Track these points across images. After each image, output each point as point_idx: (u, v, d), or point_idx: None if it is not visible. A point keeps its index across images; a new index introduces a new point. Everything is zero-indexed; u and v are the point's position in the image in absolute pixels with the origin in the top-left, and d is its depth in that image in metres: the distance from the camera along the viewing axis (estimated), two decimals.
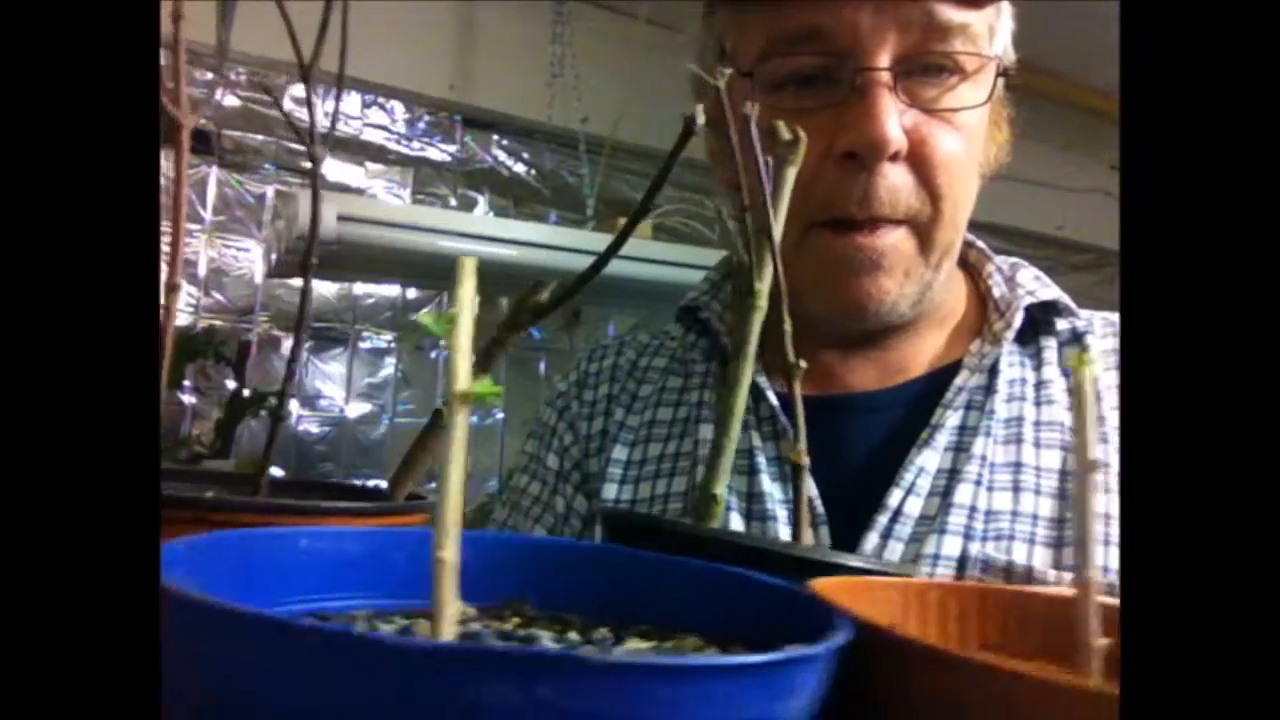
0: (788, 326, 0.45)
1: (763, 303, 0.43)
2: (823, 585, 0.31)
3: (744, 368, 0.44)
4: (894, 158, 0.61)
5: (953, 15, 0.60)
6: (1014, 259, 0.76)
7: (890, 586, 0.35)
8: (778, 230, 0.44)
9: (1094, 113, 2.71)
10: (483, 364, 0.40)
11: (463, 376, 0.25)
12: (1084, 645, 0.28)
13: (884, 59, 0.60)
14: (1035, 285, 0.72)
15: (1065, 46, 2.44)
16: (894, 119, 0.59)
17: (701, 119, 0.38)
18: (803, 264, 0.66)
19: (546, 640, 0.30)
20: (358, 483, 0.52)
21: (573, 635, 0.31)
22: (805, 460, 0.44)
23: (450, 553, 0.24)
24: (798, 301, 0.71)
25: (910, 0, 0.60)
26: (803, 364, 0.45)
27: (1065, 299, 0.72)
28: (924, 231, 0.64)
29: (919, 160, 0.62)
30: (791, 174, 0.45)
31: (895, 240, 0.63)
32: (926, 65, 0.61)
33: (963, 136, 0.63)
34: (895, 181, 0.61)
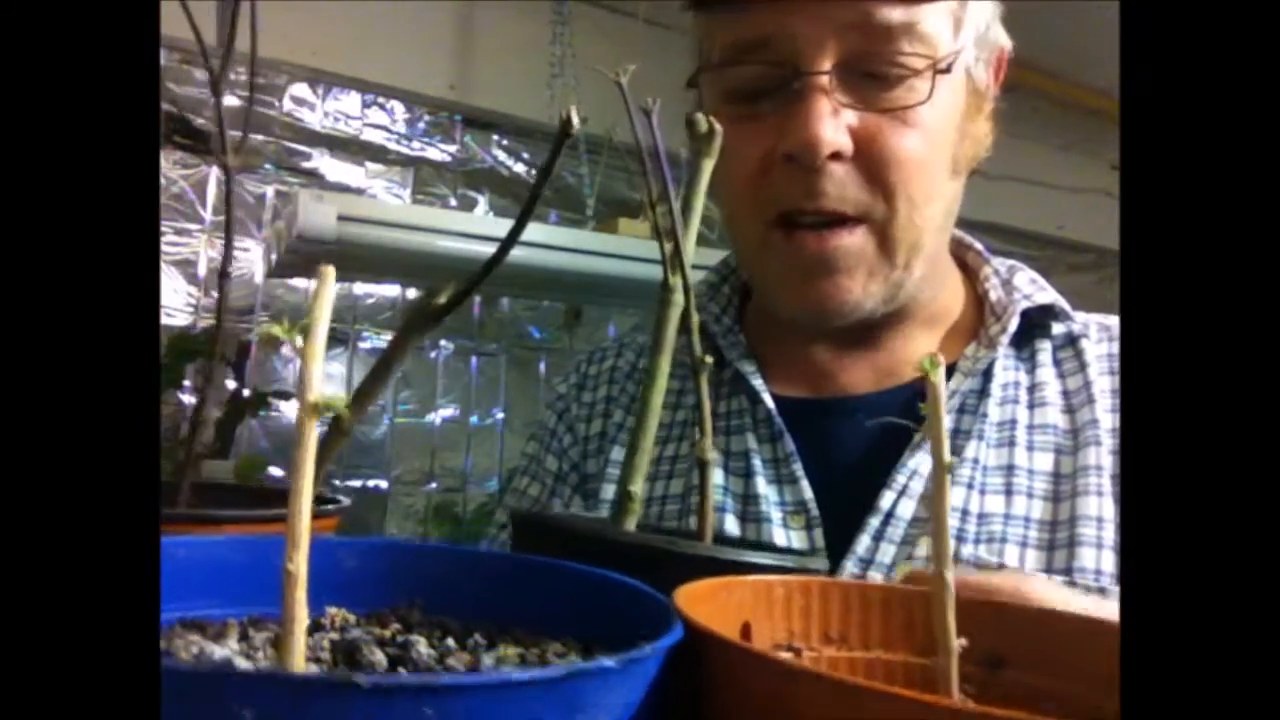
0: (694, 321, 0.45)
1: (677, 297, 0.44)
2: (692, 588, 0.32)
3: (661, 363, 0.44)
4: (837, 157, 0.62)
5: (893, 16, 0.60)
6: (1011, 262, 0.76)
7: (745, 586, 0.35)
8: (693, 229, 0.44)
9: (1094, 113, 2.71)
10: (383, 368, 0.39)
11: (315, 385, 0.25)
12: (942, 646, 0.29)
13: (824, 63, 0.61)
14: (1032, 289, 0.72)
15: (1065, 46, 2.44)
16: (827, 121, 0.60)
17: (577, 120, 0.39)
18: (766, 265, 0.68)
19: (421, 647, 0.30)
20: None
21: (450, 641, 0.32)
22: (712, 456, 0.44)
23: (299, 565, 0.24)
24: (769, 296, 0.72)
25: (849, 4, 0.60)
26: (709, 359, 0.45)
27: (1061, 302, 0.72)
28: (882, 230, 0.64)
29: (869, 158, 0.62)
30: (708, 166, 0.45)
31: (850, 241, 0.64)
32: (870, 67, 0.62)
33: (920, 134, 0.63)
34: (841, 179, 0.62)
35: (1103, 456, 0.64)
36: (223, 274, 0.49)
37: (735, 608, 0.34)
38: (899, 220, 0.63)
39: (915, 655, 0.35)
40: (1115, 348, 0.71)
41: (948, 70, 0.62)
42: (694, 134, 0.45)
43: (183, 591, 0.31)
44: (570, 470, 0.79)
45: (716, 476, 0.70)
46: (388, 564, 0.35)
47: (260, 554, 0.33)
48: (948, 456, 0.28)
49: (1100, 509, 0.62)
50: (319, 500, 0.45)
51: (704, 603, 0.31)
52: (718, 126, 0.45)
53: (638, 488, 0.43)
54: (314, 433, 0.25)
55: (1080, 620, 0.34)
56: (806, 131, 0.60)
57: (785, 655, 0.34)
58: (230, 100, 2.06)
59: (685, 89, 0.71)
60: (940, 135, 0.64)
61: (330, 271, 0.27)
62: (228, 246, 0.49)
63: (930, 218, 0.65)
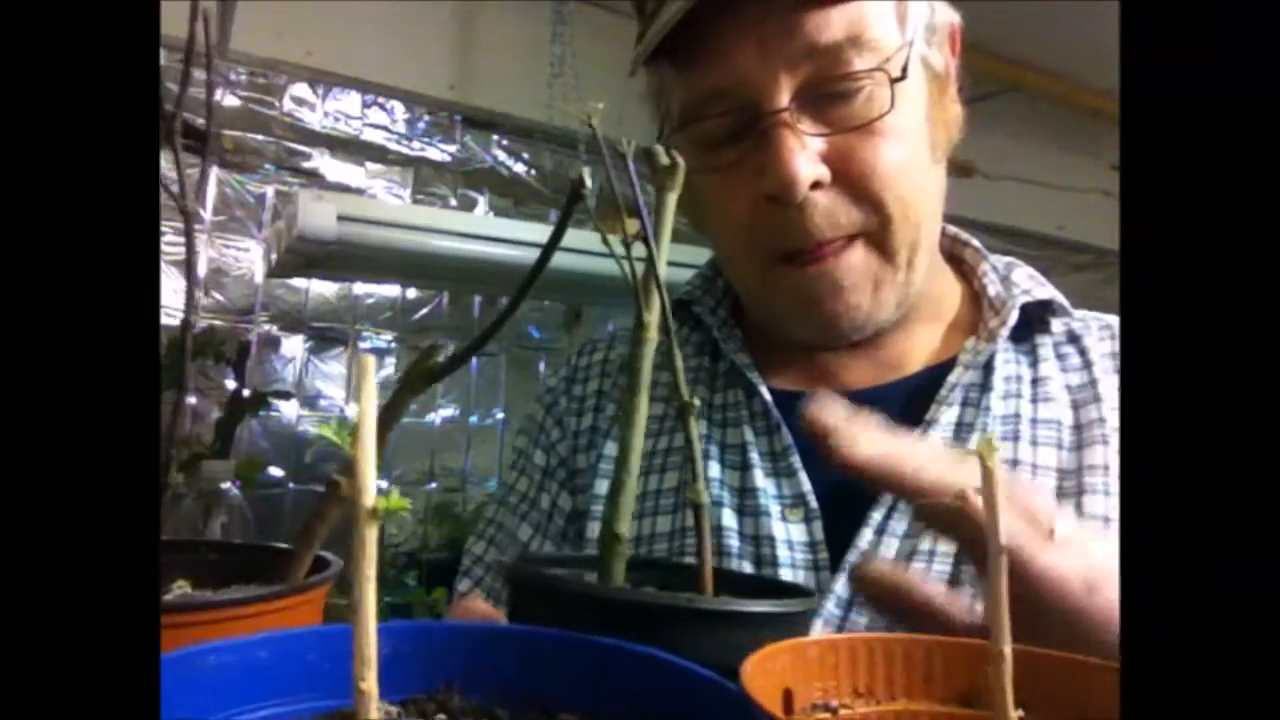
0: (679, 363, 0.44)
1: (652, 334, 0.43)
2: (762, 656, 0.32)
3: (638, 401, 0.43)
4: (817, 186, 0.62)
5: (836, 34, 0.61)
6: (1009, 259, 0.76)
7: (784, 651, 0.35)
8: (661, 263, 0.44)
9: (1094, 113, 2.72)
10: (383, 426, 0.38)
11: (370, 487, 0.24)
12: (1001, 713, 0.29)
13: (782, 99, 0.61)
14: (1030, 284, 0.72)
15: (1065, 46, 2.44)
16: (799, 156, 0.61)
17: (590, 182, 0.39)
18: (774, 298, 0.69)
19: None
20: (275, 545, 0.50)
21: None
22: (705, 499, 0.43)
23: (370, 683, 0.23)
24: (780, 327, 0.72)
25: (790, 36, 0.61)
26: (696, 402, 0.44)
27: (1060, 299, 0.72)
28: (880, 239, 0.64)
29: (848, 178, 0.63)
30: (672, 199, 0.45)
31: (851, 258, 0.64)
32: (828, 92, 0.62)
33: (892, 138, 0.63)
34: (828, 206, 0.62)
35: (1109, 455, 0.63)
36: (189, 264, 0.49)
37: (778, 674, 0.34)
38: (894, 225, 0.64)
39: (938, 704, 0.36)
40: (1118, 346, 0.71)
41: (903, 75, 0.62)
42: (654, 167, 0.45)
43: (227, 698, 0.30)
44: (558, 466, 0.78)
45: (712, 470, 0.70)
46: (420, 646, 0.34)
47: (290, 650, 0.32)
48: (1003, 539, 0.28)
49: (1107, 508, 0.61)
50: (316, 563, 0.44)
51: (754, 676, 0.31)
52: (679, 159, 0.45)
53: (623, 529, 0.42)
54: (374, 541, 0.24)
55: (1103, 668, 0.34)
56: (782, 171, 0.61)
57: (823, 717, 0.35)
58: (231, 100, 2.06)
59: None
60: (912, 133, 0.65)
61: (370, 363, 0.26)
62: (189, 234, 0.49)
63: (922, 211, 0.65)
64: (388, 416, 0.39)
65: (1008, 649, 0.28)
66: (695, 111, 0.65)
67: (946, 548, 0.62)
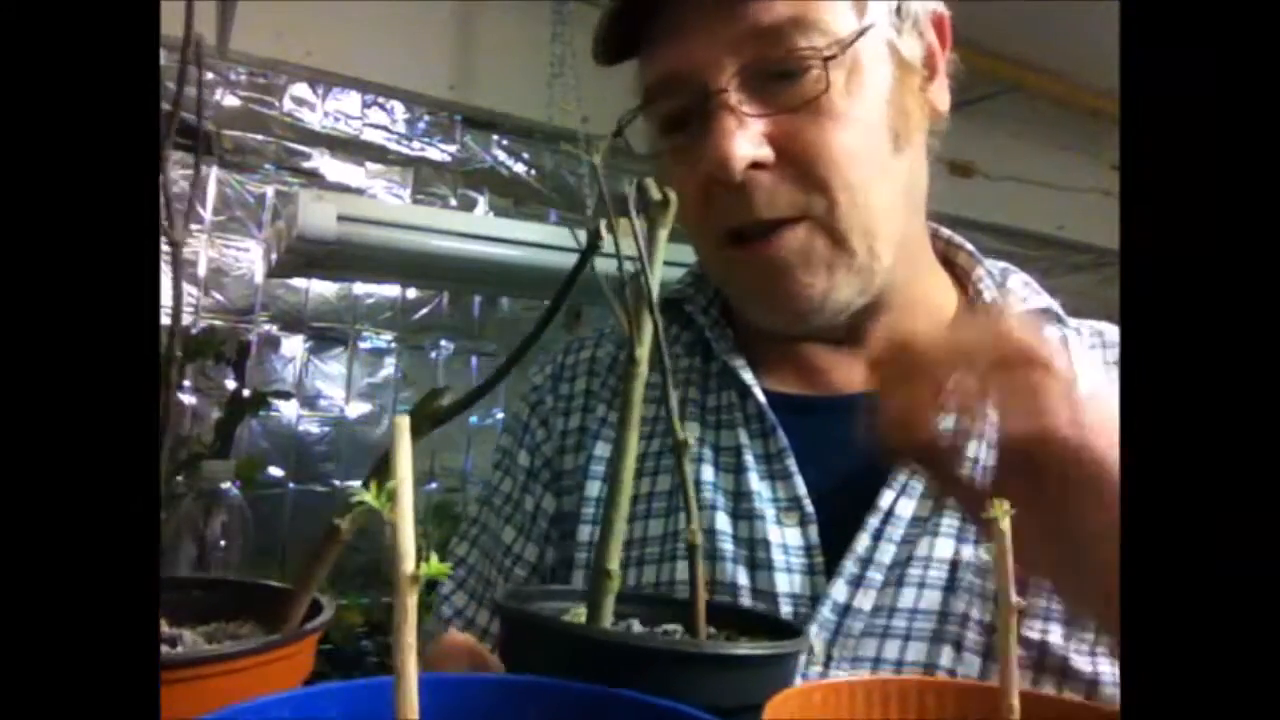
0: (673, 403, 0.44)
1: (642, 369, 0.42)
2: (777, 703, 0.32)
3: (629, 439, 0.42)
4: (759, 167, 0.62)
5: (779, 15, 0.61)
6: (1004, 264, 0.76)
7: (817, 691, 0.35)
8: (654, 293, 0.43)
9: (1094, 113, 2.71)
10: (385, 476, 0.38)
11: (409, 555, 0.24)
12: None
13: (723, 80, 0.62)
14: (1026, 292, 0.72)
15: (1065, 46, 2.44)
16: (735, 137, 0.61)
17: (607, 235, 0.39)
18: (730, 280, 0.70)
19: None
20: (261, 582, 0.49)
21: None
22: (699, 540, 0.43)
23: None
24: (742, 309, 0.72)
25: (734, 20, 0.61)
26: (691, 440, 0.44)
27: (1055, 306, 0.72)
28: (827, 224, 0.64)
29: (791, 157, 0.62)
30: (663, 235, 0.45)
31: (796, 240, 0.64)
32: (770, 72, 0.62)
33: (839, 121, 0.62)
34: (769, 187, 0.63)
35: None
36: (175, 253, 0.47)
37: (816, 713, 0.35)
38: (840, 210, 0.63)
39: None
40: (1109, 354, 0.71)
41: (834, 56, 0.62)
42: (647, 201, 0.45)
43: None
44: (542, 467, 0.77)
45: (706, 473, 0.69)
46: (456, 701, 0.34)
47: (360, 706, 0.32)
48: (1014, 599, 0.29)
49: None
50: (312, 608, 0.43)
51: (789, 715, 0.31)
52: (671, 195, 0.45)
53: (614, 565, 0.42)
54: (415, 607, 0.23)
55: (1109, 714, 0.34)
56: (717, 151, 0.61)
57: None
58: (231, 100, 2.06)
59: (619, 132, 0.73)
60: (865, 116, 0.64)
61: (405, 425, 0.26)
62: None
63: (878, 200, 0.64)
64: (387, 460, 0.39)
65: (1015, 701, 0.29)
66: (651, 94, 0.66)
67: (942, 554, 0.62)
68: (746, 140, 0.61)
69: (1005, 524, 0.29)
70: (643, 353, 0.41)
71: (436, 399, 0.39)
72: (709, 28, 0.62)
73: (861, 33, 0.62)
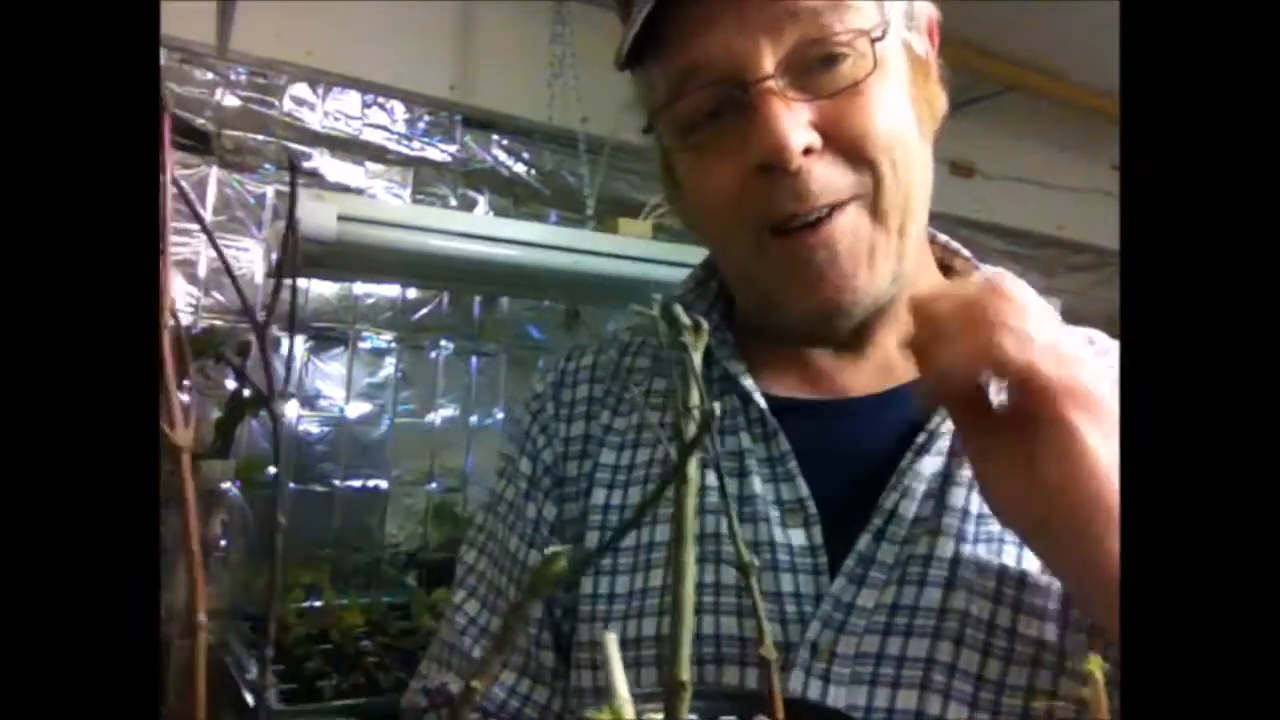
0: (735, 529, 0.43)
1: (693, 488, 0.40)
2: None
3: (685, 556, 0.39)
4: (809, 153, 0.62)
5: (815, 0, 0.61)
6: (999, 269, 0.76)
7: None
8: (695, 408, 0.42)
9: (1094, 113, 2.71)
10: (513, 627, 0.37)
11: None
12: None
13: (766, 67, 0.61)
14: None
15: (1065, 46, 2.44)
16: (791, 122, 0.60)
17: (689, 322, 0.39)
18: (766, 270, 0.67)
19: None
20: None
21: None
22: (773, 654, 0.42)
23: None
24: (776, 308, 0.72)
25: (769, 5, 0.61)
26: (756, 562, 0.43)
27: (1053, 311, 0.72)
28: (873, 201, 0.64)
29: (840, 141, 0.62)
30: (698, 358, 0.43)
31: (846, 221, 0.63)
32: (811, 57, 0.62)
33: (881, 101, 0.63)
34: (823, 173, 0.62)
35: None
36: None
37: None
38: (886, 186, 0.63)
39: None
40: (1107, 361, 0.71)
41: (882, 37, 0.62)
42: (677, 328, 0.44)
43: None
44: (544, 474, 0.77)
45: (709, 478, 0.69)
46: None
47: None
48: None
49: None
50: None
51: None
52: (704, 323, 0.44)
53: (686, 676, 0.40)
54: None
55: None
56: (774, 137, 0.60)
57: None
58: (231, 100, 2.06)
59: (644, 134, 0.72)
60: (899, 102, 0.65)
61: (613, 641, 0.26)
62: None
63: (913, 181, 0.65)
64: (513, 619, 0.38)
65: None
66: (677, 89, 0.65)
67: (943, 553, 0.62)
68: (799, 126, 0.61)
69: (1099, 674, 0.30)
70: (691, 471, 0.39)
71: (554, 563, 0.36)
72: (743, 15, 0.61)
73: (888, 23, 0.63)
